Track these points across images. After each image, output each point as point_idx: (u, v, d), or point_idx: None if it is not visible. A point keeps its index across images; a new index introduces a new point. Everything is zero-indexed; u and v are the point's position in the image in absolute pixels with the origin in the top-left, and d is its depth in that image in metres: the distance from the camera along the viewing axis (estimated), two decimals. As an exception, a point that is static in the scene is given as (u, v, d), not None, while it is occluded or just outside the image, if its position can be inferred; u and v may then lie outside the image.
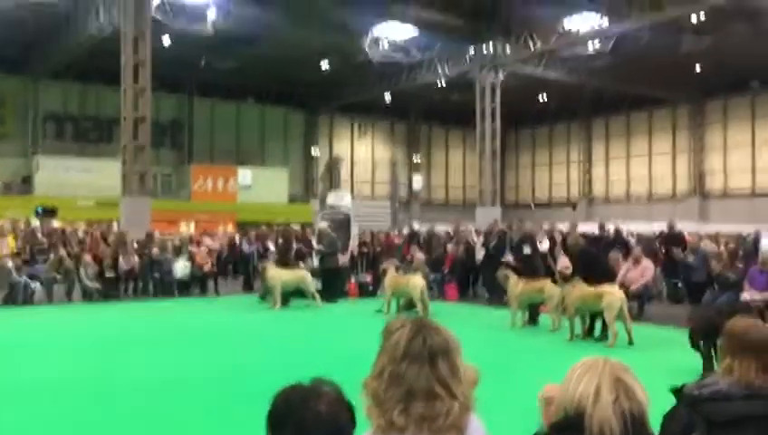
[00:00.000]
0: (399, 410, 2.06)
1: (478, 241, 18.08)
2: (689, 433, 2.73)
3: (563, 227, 19.99)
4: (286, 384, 1.93)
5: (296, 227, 21.99)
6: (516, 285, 12.47)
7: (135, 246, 18.39)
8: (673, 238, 17.38)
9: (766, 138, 39.12)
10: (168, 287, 17.64)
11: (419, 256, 16.54)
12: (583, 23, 29.15)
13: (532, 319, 12.82)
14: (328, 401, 1.79)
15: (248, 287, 18.99)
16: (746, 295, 11.25)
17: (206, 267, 18.40)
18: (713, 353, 8.04)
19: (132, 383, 7.97)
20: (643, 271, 13.65)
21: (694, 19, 25.90)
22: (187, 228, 32.67)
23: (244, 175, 39.13)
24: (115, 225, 23.89)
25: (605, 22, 28.07)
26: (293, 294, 15.71)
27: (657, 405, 2.89)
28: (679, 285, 15.58)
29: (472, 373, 2.27)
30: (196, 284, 18.14)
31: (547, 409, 2.56)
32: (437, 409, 2.07)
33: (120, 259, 17.28)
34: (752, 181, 39.75)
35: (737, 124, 40.44)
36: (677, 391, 2.90)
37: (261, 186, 38.63)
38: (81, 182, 33.22)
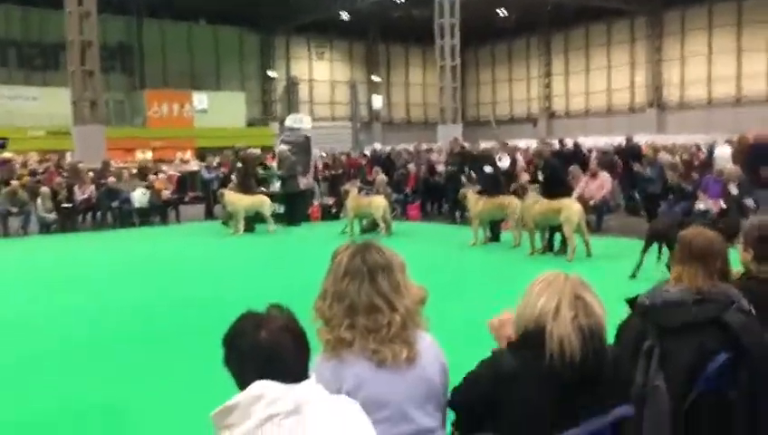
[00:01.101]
0: (346, 326, 2.13)
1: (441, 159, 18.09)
2: (642, 341, 2.80)
3: (522, 144, 20.07)
4: (237, 313, 1.92)
5: (257, 151, 21.68)
6: (477, 203, 12.55)
7: (91, 175, 17.98)
8: (630, 151, 17.60)
9: (722, 48, 39.31)
10: (127, 217, 17.38)
11: (381, 176, 16.50)
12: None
13: (494, 236, 12.98)
14: (271, 329, 1.79)
15: (210, 214, 18.82)
16: (701, 204, 11.51)
17: (166, 195, 18.13)
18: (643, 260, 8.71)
19: (87, 314, 7.93)
20: (601, 184, 13.83)
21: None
22: (144, 156, 31.99)
23: (200, 99, 38.17)
24: (69, 155, 23.26)
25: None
26: (257, 219, 15.61)
27: (615, 315, 2.96)
28: (637, 196, 15.87)
29: (419, 292, 2.32)
30: (156, 212, 17.91)
31: (503, 332, 2.59)
32: (379, 321, 2.16)
33: (76, 189, 16.91)
34: (707, 92, 40.18)
35: (694, 35, 40.50)
36: (632, 301, 2.96)
37: (218, 110, 37.76)
38: (29, 112, 32.05)
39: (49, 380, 5.70)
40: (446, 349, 2.49)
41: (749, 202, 10.99)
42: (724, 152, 14.62)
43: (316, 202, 18.11)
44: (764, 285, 3.21)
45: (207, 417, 1.76)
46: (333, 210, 17.74)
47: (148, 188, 17.97)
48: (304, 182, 17.99)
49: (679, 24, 41.13)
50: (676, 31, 41.33)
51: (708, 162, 15.43)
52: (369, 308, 2.19)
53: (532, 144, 19.67)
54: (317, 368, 2.13)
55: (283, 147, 18.58)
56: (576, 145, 17.86)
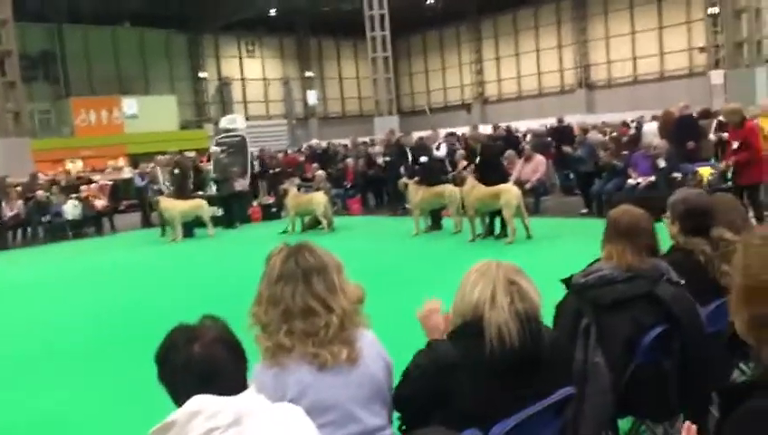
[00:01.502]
0: (284, 332, 2.11)
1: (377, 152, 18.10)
2: (579, 319, 2.86)
3: (457, 131, 20.24)
4: (175, 323, 1.88)
5: (191, 155, 21.29)
6: (416, 193, 12.62)
7: (18, 190, 17.34)
8: (562, 132, 17.95)
9: (644, 26, 40.50)
10: (59, 230, 16.83)
11: (320, 172, 16.43)
12: None
13: (436, 224, 13.08)
14: (204, 342, 1.75)
15: (147, 222, 18.39)
16: (631, 181, 11.84)
17: (100, 205, 17.64)
18: None
19: (18, 330, 7.68)
20: (536, 166, 14.09)
21: None
22: (74, 166, 31.01)
23: (130, 104, 37.15)
24: (-7, 170, 22.39)
25: None
26: (196, 223, 15.34)
27: (557, 294, 3.01)
28: (571, 176, 16.22)
29: (357, 290, 2.30)
30: (90, 223, 17.40)
31: (431, 322, 2.59)
32: (316, 323, 2.14)
33: (3, 205, 16.29)
34: (633, 69, 41.35)
35: (617, 15, 41.61)
36: (567, 281, 3.02)
37: (148, 114, 36.81)
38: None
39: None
40: (391, 343, 2.49)
41: (676, 175, 11.35)
42: (651, 128, 15.06)
43: (256, 202, 17.91)
44: (690, 256, 3.33)
45: (147, 430, 1.72)
46: (274, 209, 17.57)
47: (79, 199, 17.44)
48: (242, 183, 17.76)
49: (602, 6, 42.18)
50: (600, 12, 42.38)
51: (636, 138, 15.85)
52: (305, 311, 2.17)
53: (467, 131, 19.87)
54: (257, 376, 2.10)
55: (215, 149, 18.29)
56: (508, 130, 18.08)
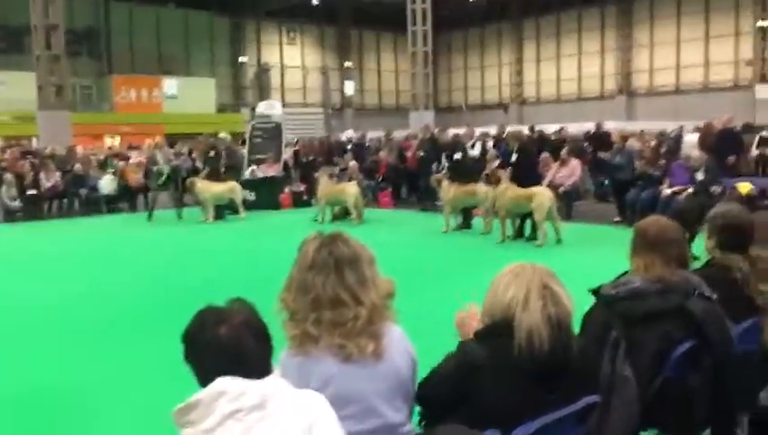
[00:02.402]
0: (312, 321, 2.10)
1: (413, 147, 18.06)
2: (608, 331, 2.82)
3: (492, 131, 20.11)
4: (205, 304, 1.90)
5: (226, 137, 21.43)
6: (449, 190, 12.56)
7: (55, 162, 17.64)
8: (600, 138, 17.74)
9: (690, 35, 39.79)
10: (94, 204, 17.10)
11: (353, 163, 16.44)
12: None
13: (466, 223, 13.02)
14: (232, 324, 1.77)
15: (180, 202, 18.55)
16: (667, 190, 11.64)
17: (134, 181, 17.86)
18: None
19: (52, 302, 7.82)
20: (571, 171, 13.94)
21: None
22: (112, 142, 31.52)
23: (170, 85, 37.69)
24: (35, 141, 22.84)
25: None
26: (227, 206, 15.48)
27: (586, 302, 2.98)
28: (606, 182, 16.03)
29: (387, 285, 2.29)
30: (124, 199, 17.64)
31: (467, 328, 2.58)
32: (345, 315, 2.12)
33: (42, 176, 16.60)
34: (676, 78, 40.66)
35: (663, 22, 40.93)
36: (596, 292, 2.98)
37: (187, 95, 37.30)
38: (-6, 96, 31.38)
39: (14, 361, 5.67)
40: (417, 338, 2.49)
41: (715, 189, 11.13)
42: (691, 139, 14.81)
43: (287, 189, 17.98)
44: (726, 272, 3.26)
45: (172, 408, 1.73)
46: (305, 197, 17.64)
47: (115, 174, 17.69)
48: (275, 168, 17.84)
49: (648, 12, 41.51)
50: (645, 18, 41.72)
51: (675, 149, 15.61)
52: (335, 302, 2.16)
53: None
54: (283, 363, 2.11)
55: (225, 137, 18.31)
56: (540, 132, 17.90)
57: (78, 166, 17.29)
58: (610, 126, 20.87)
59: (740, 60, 38.00)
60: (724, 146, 12.46)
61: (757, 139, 12.77)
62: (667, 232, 2.98)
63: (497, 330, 2.27)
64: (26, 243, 13.08)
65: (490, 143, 16.84)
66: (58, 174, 17.00)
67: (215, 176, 15.53)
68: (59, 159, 18.01)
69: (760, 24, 36.56)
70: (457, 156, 13.62)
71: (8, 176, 16.11)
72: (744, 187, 11.04)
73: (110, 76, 37.41)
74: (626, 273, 3.03)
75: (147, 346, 5.99)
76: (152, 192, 16.02)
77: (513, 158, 11.93)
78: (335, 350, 2.14)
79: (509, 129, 15.62)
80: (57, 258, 11.14)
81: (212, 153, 16.23)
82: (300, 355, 2.16)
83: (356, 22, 48.08)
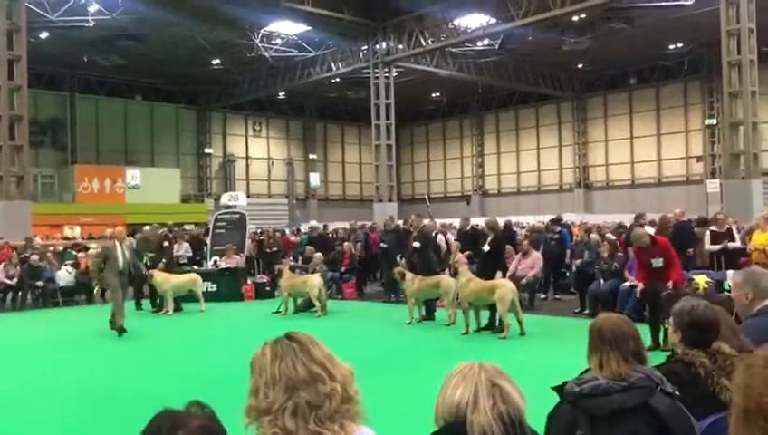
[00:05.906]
0: (290, 411, 2.02)
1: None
2: (573, 429, 2.79)
3: (455, 222, 20.38)
4: (161, 408, 1.82)
5: (190, 228, 21.37)
6: (412, 282, 12.59)
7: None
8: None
9: (643, 132, 41.47)
10: (51, 296, 16.67)
11: (318, 255, 16.43)
12: (473, 21, 29.95)
13: (429, 314, 12.99)
14: (189, 429, 1.69)
15: (139, 294, 18.20)
16: (626, 283, 11.82)
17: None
18: None
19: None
20: (533, 262, 14.11)
21: (575, 18, 27.05)
22: (72, 233, 31.09)
23: (133, 175, 37.65)
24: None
25: (493, 20, 28.90)
26: (184, 298, 15.23)
27: (552, 397, 2.95)
28: (567, 274, 16.20)
29: (347, 367, 2.23)
30: (81, 291, 17.25)
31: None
32: (320, 390, 2.05)
33: (1, 268, 16.20)
34: (631, 173, 42.04)
35: (617, 119, 42.68)
36: (560, 389, 2.96)
37: (151, 186, 37.24)
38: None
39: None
40: (383, 429, 2.41)
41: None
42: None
43: (250, 280, 17.83)
44: (689, 367, 3.27)
45: None
46: (268, 288, 17.47)
47: (73, 266, 17.36)
48: (238, 260, 17.73)
49: (602, 109, 43.34)
50: (599, 115, 43.50)
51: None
52: (309, 379, 2.08)
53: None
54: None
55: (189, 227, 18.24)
56: (507, 225, 18.17)
57: (35, 257, 16.93)
58: (569, 218, 21.31)
59: (691, 156, 39.57)
60: (681, 239, 12.76)
61: (708, 233, 13.12)
62: (621, 328, 2.99)
63: (451, 432, 2.24)
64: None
65: (450, 235, 17.00)
66: (17, 266, 16.60)
67: (170, 267, 15.38)
68: (17, 250, 17.62)
69: (708, 122, 38.37)
70: (416, 244, 13.71)
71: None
72: (702, 279, 11.28)
73: (73, 166, 37.29)
74: (589, 369, 3.02)
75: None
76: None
77: (486, 248, 12.05)
78: None
79: (482, 220, 15.80)
80: (16, 353, 10.70)
81: (165, 243, 16.13)
82: None
83: (321, 115, 49.18)
